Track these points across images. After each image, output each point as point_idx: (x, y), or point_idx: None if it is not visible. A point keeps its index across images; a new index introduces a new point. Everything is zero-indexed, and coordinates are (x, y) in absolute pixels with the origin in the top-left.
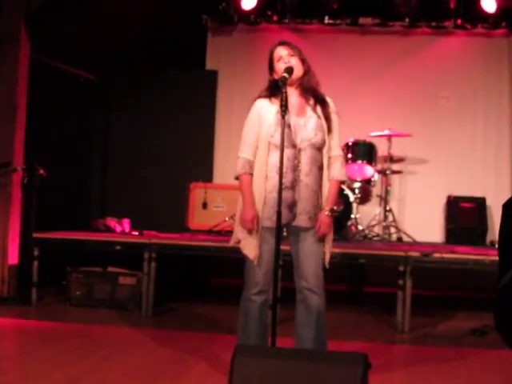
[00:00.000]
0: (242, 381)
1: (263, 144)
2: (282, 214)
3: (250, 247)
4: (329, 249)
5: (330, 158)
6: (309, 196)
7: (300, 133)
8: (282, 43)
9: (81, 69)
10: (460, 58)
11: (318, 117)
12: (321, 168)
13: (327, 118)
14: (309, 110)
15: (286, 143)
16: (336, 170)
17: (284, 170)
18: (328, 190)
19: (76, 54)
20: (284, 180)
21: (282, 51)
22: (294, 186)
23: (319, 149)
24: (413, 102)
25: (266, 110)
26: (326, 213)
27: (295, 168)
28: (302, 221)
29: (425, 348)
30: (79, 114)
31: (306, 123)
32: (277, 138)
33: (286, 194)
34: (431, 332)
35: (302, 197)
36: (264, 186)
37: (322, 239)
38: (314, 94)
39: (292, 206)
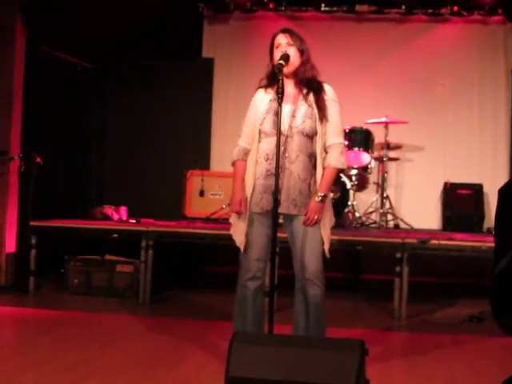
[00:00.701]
0: (239, 368)
1: (256, 132)
2: (266, 200)
3: (237, 233)
4: (326, 236)
5: (328, 147)
6: (294, 183)
7: (288, 120)
8: (283, 31)
9: (77, 57)
10: (456, 45)
11: (309, 105)
12: (311, 156)
13: (320, 107)
14: (300, 98)
15: (273, 130)
16: (333, 157)
17: (271, 156)
18: (322, 175)
19: (72, 42)
20: (270, 167)
21: (281, 39)
22: (279, 172)
23: (309, 136)
24: (409, 90)
25: (261, 99)
26: (316, 198)
27: (282, 155)
28: (285, 208)
29: (422, 335)
30: (76, 103)
31: (295, 111)
32: (265, 126)
33: (271, 181)
34: (428, 319)
35: (285, 184)
36: (254, 172)
37: (317, 227)
38: (308, 84)
39: (276, 192)
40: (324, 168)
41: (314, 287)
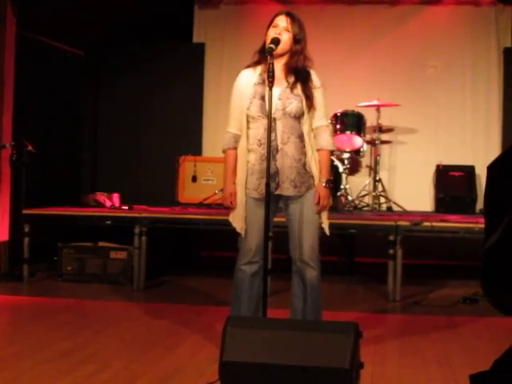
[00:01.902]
0: (233, 352)
1: (244, 117)
2: (265, 184)
3: (237, 219)
4: (325, 216)
5: (315, 128)
6: (290, 164)
7: (275, 103)
8: (287, 14)
9: (68, 44)
10: (448, 27)
11: (294, 88)
12: (301, 137)
13: (307, 96)
14: (285, 83)
15: (260, 114)
16: (324, 139)
17: (263, 141)
18: (319, 161)
19: (63, 29)
20: (264, 151)
21: (281, 21)
22: (274, 155)
23: (296, 117)
24: (401, 72)
25: (245, 83)
26: (323, 184)
27: (273, 138)
28: (285, 189)
29: (416, 317)
30: (67, 90)
31: (281, 93)
32: (252, 110)
33: (267, 164)
34: (422, 301)
35: (283, 165)
36: (246, 159)
37: (314, 209)
38: (297, 73)
39: (274, 175)
40: (318, 151)
41: (309, 269)
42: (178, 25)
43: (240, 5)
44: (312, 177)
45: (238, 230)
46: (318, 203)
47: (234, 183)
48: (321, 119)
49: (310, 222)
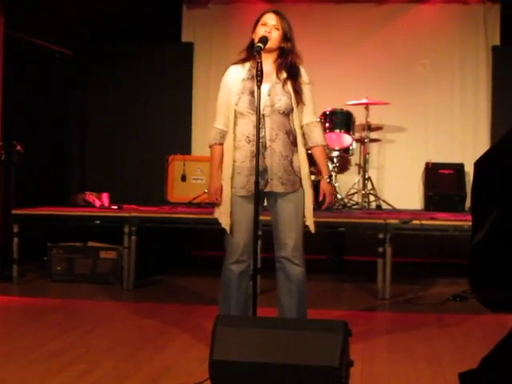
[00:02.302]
0: (223, 351)
1: (231, 114)
2: (253, 182)
3: (223, 215)
4: (310, 214)
5: (306, 125)
6: (278, 161)
7: (264, 99)
8: (275, 12)
9: (57, 44)
10: (436, 25)
11: (285, 84)
12: (289, 133)
13: (297, 92)
14: (274, 79)
15: (249, 110)
16: (317, 136)
17: (252, 138)
18: (317, 158)
19: (51, 29)
20: (253, 148)
21: (270, 19)
22: (262, 152)
23: (285, 114)
24: (390, 70)
25: (233, 79)
26: (327, 181)
27: (262, 135)
28: (274, 186)
29: (406, 315)
30: (56, 89)
31: (271, 89)
32: (241, 106)
33: (256, 162)
34: (412, 299)
35: (271, 162)
36: (232, 157)
37: (300, 207)
38: (288, 70)
39: (263, 172)
40: (312, 149)
41: (293, 266)
42: (167, 24)
43: (228, 4)
44: (298, 175)
45: (224, 225)
46: (324, 201)
47: (220, 179)
48: (311, 115)
49: (294, 220)
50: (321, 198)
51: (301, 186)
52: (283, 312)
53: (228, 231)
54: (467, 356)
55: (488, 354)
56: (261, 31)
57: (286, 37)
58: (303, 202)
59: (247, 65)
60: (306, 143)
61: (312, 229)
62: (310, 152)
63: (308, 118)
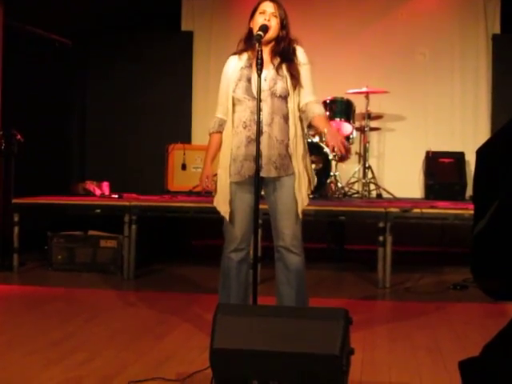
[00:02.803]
0: (224, 339)
1: (230, 102)
2: (248, 166)
3: (221, 203)
4: (301, 198)
5: (305, 105)
6: (273, 146)
7: (259, 85)
8: (272, 0)
9: (56, 33)
10: (436, 14)
11: (279, 69)
12: (286, 117)
13: (293, 75)
14: (271, 66)
15: (246, 96)
16: (317, 108)
17: (248, 123)
18: (318, 124)
19: (51, 18)
20: (249, 133)
21: (268, 6)
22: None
23: (282, 97)
24: (390, 59)
25: (232, 68)
26: (326, 130)
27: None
28: (267, 171)
29: (406, 303)
30: (56, 79)
31: (266, 75)
32: (237, 92)
33: (252, 147)
34: (412, 287)
35: (265, 148)
36: (231, 144)
37: (294, 195)
38: (283, 55)
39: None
40: (312, 120)
41: (292, 255)
42: (166, 13)
43: None
44: (291, 161)
45: (223, 213)
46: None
47: (211, 167)
48: (309, 95)
49: (290, 208)
50: (331, 151)
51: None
52: (282, 302)
53: (227, 219)
54: (467, 344)
55: (489, 341)
56: (260, 20)
57: (283, 24)
58: (295, 187)
59: (246, 54)
60: (306, 119)
61: (299, 214)
62: (309, 140)
63: (307, 98)
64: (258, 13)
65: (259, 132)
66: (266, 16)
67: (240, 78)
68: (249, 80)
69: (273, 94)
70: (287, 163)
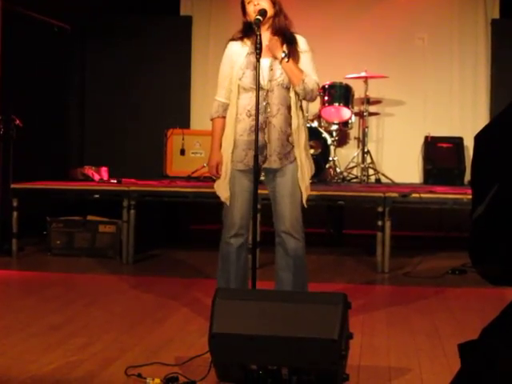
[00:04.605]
0: (223, 324)
1: (234, 87)
2: (251, 156)
3: (221, 188)
4: (304, 187)
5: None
6: (278, 137)
7: (267, 74)
8: None
9: (55, 18)
10: None
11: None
12: (289, 108)
13: (293, 60)
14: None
15: (253, 85)
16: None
17: (253, 112)
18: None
19: (49, 2)
20: (254, 123)
21: None
22: (263, 128)
23: (287, 88)
24: (389, 44)
25: (237, 53)
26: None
27: (265, 110)
28: (272, 162)
29: (405, 288)
30: (54, 64)
31: (273, 64)
32: (244, 81)
33: (255, 136)
34: (411, 272)
35: (271, 139)
36: (234, 130)
37: (296, 181)
38: (283, 36)
39: (262, 148)
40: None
41: (293, 240)
42: None
43: None
44: (293, 150)
45: (223, 199)
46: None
47: (220, 153)
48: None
49: (292, 193)
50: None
51: (296, 157)
52: (281, 286)
53: (228, 204)
54: (466, 329)
55: (488, 324)
56: (251, 9)
57: (272, 2)
58: (298, 177)
59: (248, 41)
60: (302, 91)
61: (304, 203)
62: (307, 126)
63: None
64: (246, 4)
65: (258, 117)
66: (254, 1)
67: (247, 66)
68: (255, 68)
69: (280, 85)
70: (289, 151)
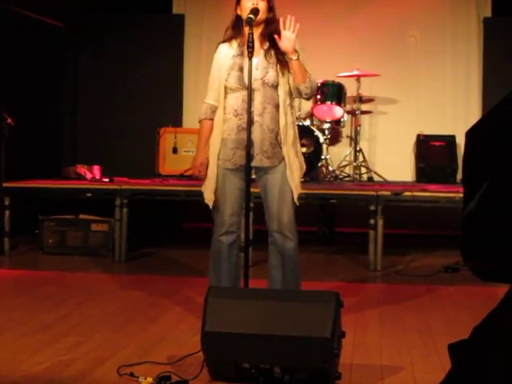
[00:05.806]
0: (215, 322)
1: (221, 89)
2: (240, 155)
3: (207, 189)
4: (294, 185)
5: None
6: (264, 136)
7: (253, 73)
8: None
9: (48, 16)
10: None
11: (269, 55)
12: (277, 106)
13: (280, 60)
14: (262, 52)
15: (239, 85)
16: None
17: (240, 111)
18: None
19: (42, 1)
20: (241, 122)
21: None
22: (249, 126)
23: (274, 86)
24: (381, 42)
25: (224, 55)
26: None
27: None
28: (259, 161)
29: (397, 286)
30: (47, 62)
31: (258, 63)
32: (230, 81)
33: (243, 136)
34: (403, 270)
35: (256, 137)
36: (221, 130)
37: (287, 179)
38: (270, 39)
39: (249, 147)
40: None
41: (286, 240)
42: None
43: None
44: (281, 149)
45: (206, 201)
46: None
47: (206, 154)
48: None
49: (284, 193)
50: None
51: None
52: (273, 285)
53: (210, 207)
54: (458, 327)
55: (479, 323)
56: (248, 4)
57: (270, 6)
58: (288, 175)
59: (235, 42)
60: (302, 92)
61: (295, 201)
62: (300, 124)
63: None
64: None
65: (250, 117)
66: (254, 0)
67: (232, 67)
68: (241, 69)
69: (265, 84)
70: (278, 151)
